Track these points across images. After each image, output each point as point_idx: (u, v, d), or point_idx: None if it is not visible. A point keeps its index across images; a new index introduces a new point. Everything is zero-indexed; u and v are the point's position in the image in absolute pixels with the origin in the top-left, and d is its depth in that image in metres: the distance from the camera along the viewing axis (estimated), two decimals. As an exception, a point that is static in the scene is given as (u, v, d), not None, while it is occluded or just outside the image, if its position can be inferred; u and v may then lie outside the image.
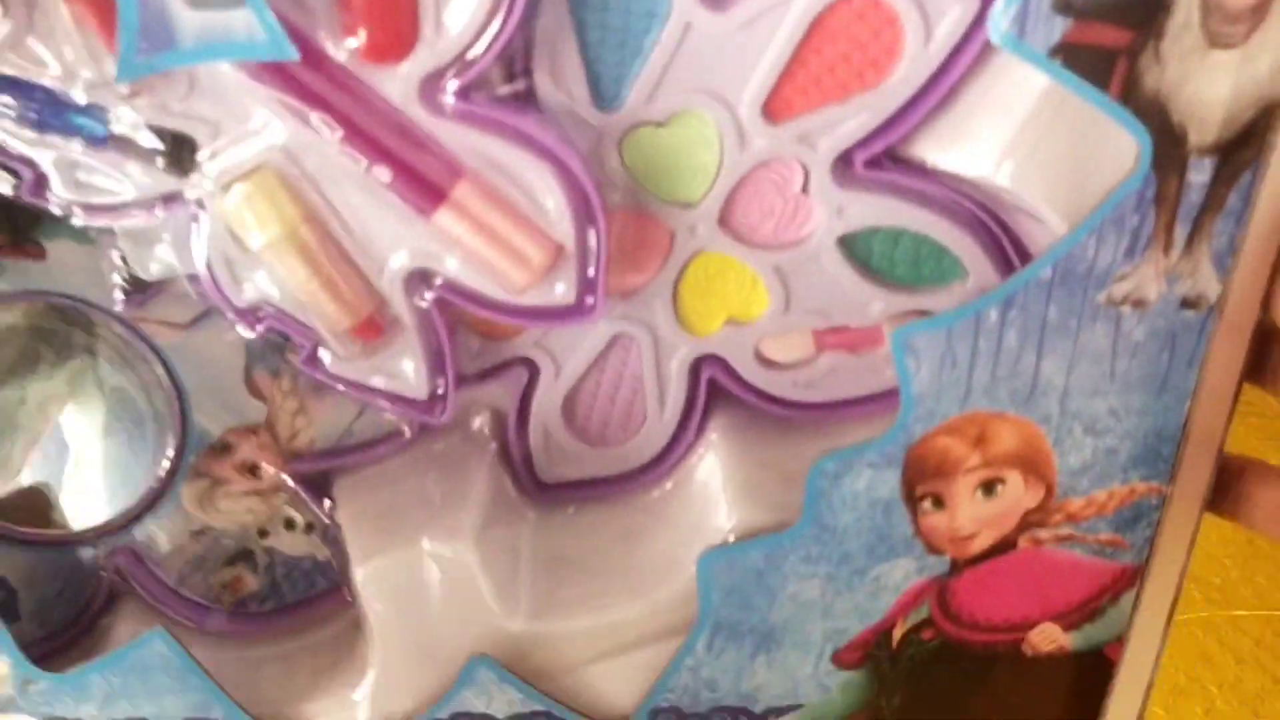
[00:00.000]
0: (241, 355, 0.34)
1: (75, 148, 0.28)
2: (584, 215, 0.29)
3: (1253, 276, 0.30)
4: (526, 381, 0.34)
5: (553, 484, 0.36)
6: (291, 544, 0.37)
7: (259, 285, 0.31)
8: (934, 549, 0.34)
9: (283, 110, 0.28)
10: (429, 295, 0.31)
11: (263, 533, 0.37)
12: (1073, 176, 0.29)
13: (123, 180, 0.29)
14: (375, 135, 0.28)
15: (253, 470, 0.36)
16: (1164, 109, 0.27)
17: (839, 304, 0.33)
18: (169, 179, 0.29)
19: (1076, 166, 0.29)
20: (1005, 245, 0.31)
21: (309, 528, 0.37)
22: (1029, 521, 0.33)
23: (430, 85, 0.28)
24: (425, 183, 0.29)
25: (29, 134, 0.28)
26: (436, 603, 0.34)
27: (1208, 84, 0.27)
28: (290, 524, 0.37)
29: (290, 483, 0.36)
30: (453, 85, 0.28)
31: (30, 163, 0.29)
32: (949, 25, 0.28)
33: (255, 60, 0.27)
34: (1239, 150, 0.28)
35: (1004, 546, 0.34)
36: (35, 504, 0.36)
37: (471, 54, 0.27)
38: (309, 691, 0.36)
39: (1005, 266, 0.31)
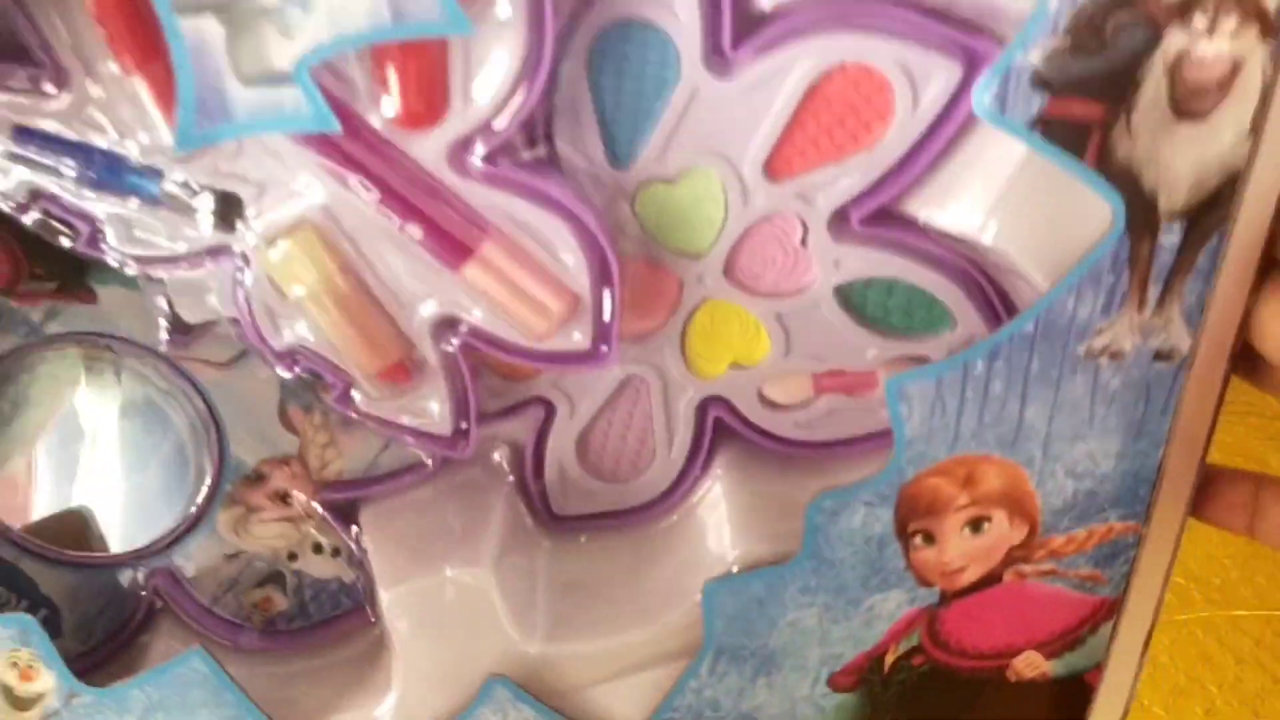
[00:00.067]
0: (276, 391, 0.37)
1: (130, 205, 0.31)
2: (600, 270, 0.32)
3: (1221, 331, 0.32)
4: (543, 419, 0.37)
5: (566, 515, 0.38)
6: (319, 567, 0.39)
7: (296, 331, 0.33)
8: (924, 581, 0.36)
9: (323, 173, 0.30)
10: (455, 340, 0.33)
11: (292, 556, 0.39)
12: (1053, 237, 0.31)
13: (173, 235, 0.31)
14: (408, 196, 0.30)
15: (284, 498, 0.38)
16: (1136, 177, 0.30)
17: (836, 349, 0.35)
18: (216, 234, 0.31)
19: (1056, 228, 0.31)
20: (992, 297, 0.33)
21: (335, 552, 0.39)
22: (1014, 557, 0.35)
23: (459, 150, 0.30)
24: (454, 240, 0.31)
25: (87, 192, 0.31)
26: (457, 625, 0.36)
27: (1176, 154, 0.29)
28: (318, 548, 0.39)
29: (319, 510, 0.38)
30: (480, 150, 0.30)
31: (88, 218, 0.31)
32: (935, 92, 0.30)
33: (298, 132, 0.29)
34: (1206, 215, 0.30)
35: (990, 580, 0.36)
36: (74, 526, 0.39)
37: (497, 124, 0.30)
38: (335, 704, 0.38)
39: (992, 316, 0.33)
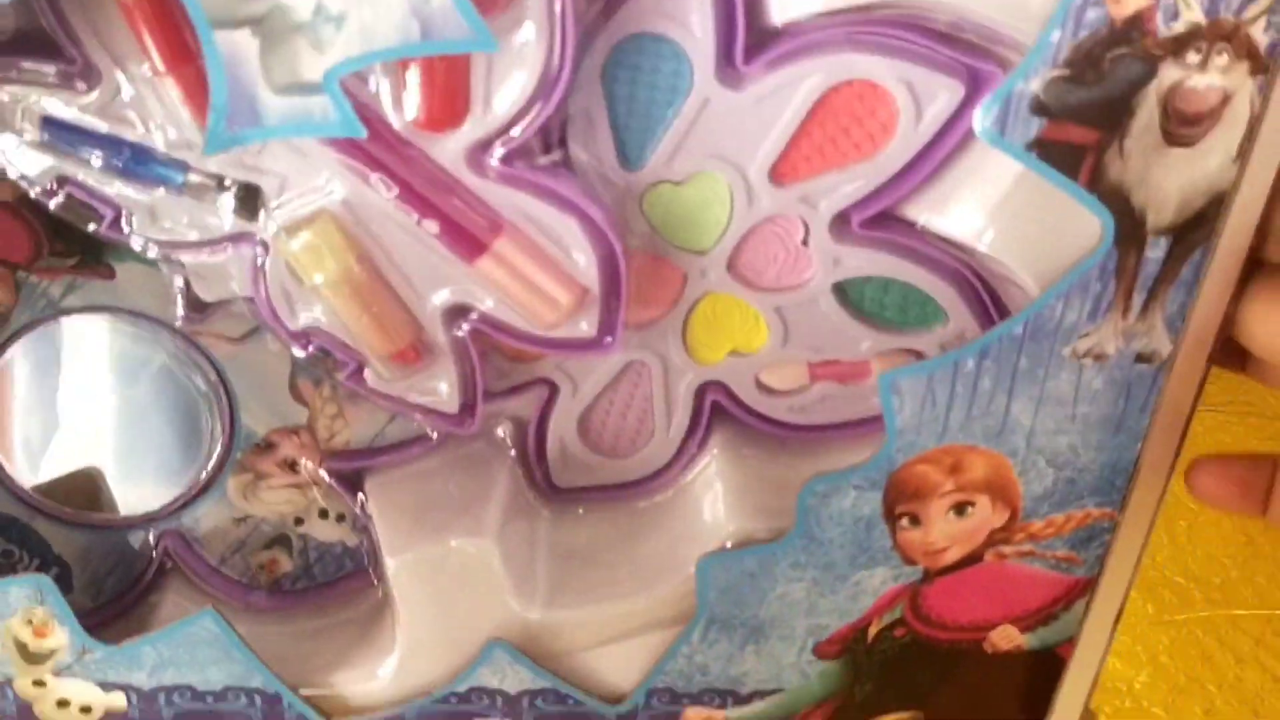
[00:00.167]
0: (287, 365, 0.39)
1: (155, 193, 0.33)
2: (608, 266, 0.34)
3: (1200, 336, 0.34)
4: (546, 398, 0.39)
5: (566, 488, 0.41)
6: (324, 532, 0.42)
7: (312, 314, 0.35)
8: (909, 560, 0.38)
9: (345, 170, 0.32)
10: (465, 326, 0.35)
11: (298, 521, 0.41)
12: (1045, 247, 0.34)
13: (196, 222, 0.33)
14: (426, 194, 0.33)
15: (292, 466, 0.40)
16: (1126, 196, 0.32)
17: (832, 341, 0.37)
18: (238, 223, 0.33)
19: (1048, 239, 0.33)
20: (984, 297, 0.36)
21: (341, 518, 0.41)
22: (995, 539, 0.38)
23: (477, 153, 0.32)
24: (469, 235, 0.33)
25: (113, 180, 0.33)
26: (460, 592, 0.39)
27: (1165, 176, 0.32)
28: (324, 514, 0.41)
29: (326, 478, 0.40)
30: (497, 153, 0.32)
31: (112, 203, 0.33)
32: (937, 109, 0.32)
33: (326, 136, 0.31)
34: (1191, 232, 0.33)
35: (971, 559, 0.39)
36: (86, 488, 0.41)
37: (515, 131, 0.32)
38: (340, 662, 0.41)
39: (983, 314, 0.36)
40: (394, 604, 0.39)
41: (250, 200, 0.33)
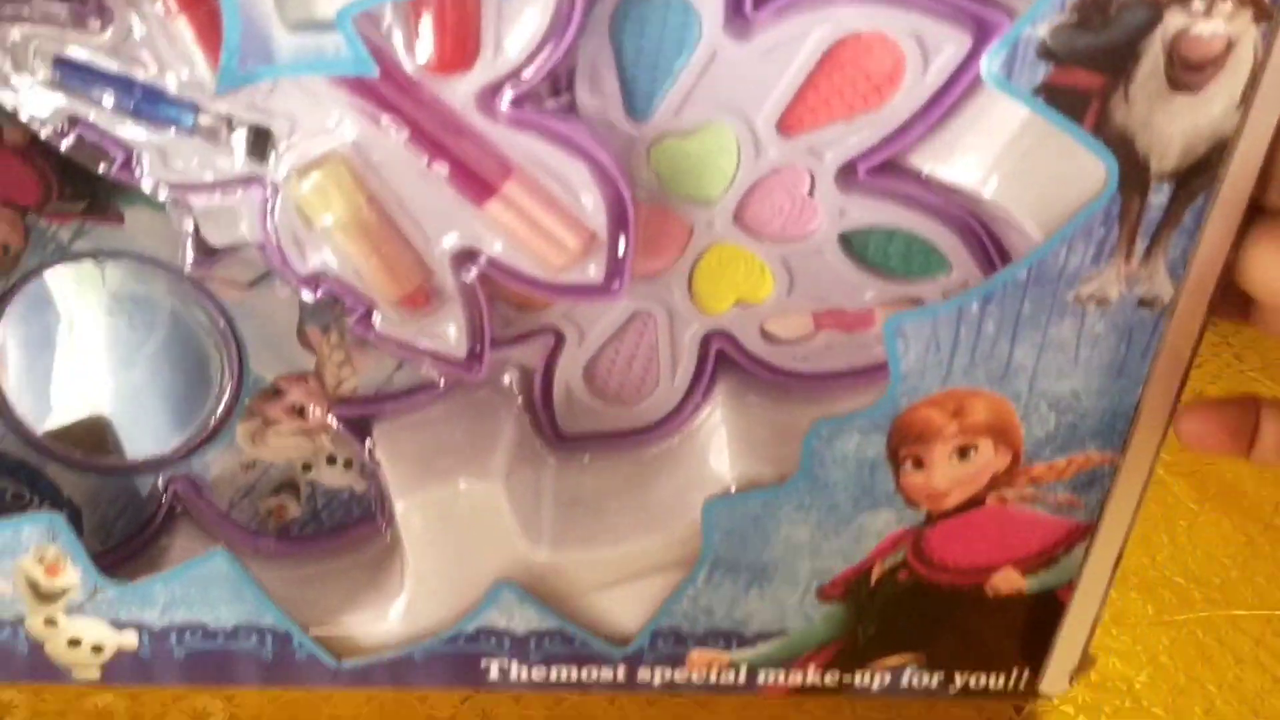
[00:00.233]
0: (295, 312, 0.40)
1: (166, 134, 0.33)
2: (616, 209, 0.35)
3: (1201, 282, 0.35)
4: (553, 346, 0.40)
5: (572, 435, 0.42)
6: (331, 478, 0.43)
7: (321, 257, 0.36)
8: (912, 503, 0.39)
9: (355, 112, 0.33)
10: (473, 271, 0.36)
11: (306, 467, 0.42)
12: (1049, 193, 0.34)
13: (206, 164, 0.34)
14: (437, 136, 0.33)
15: (300, 412, 0.41)
16: (1130, 141, 0.33)
17: (836, 290, 0.38)
18: (249, 165, 0.34)
19: (1053, 185, 0.34)
20: (988, 245, 0.36)
21: (348, 464, 0.42)
22: (997, 482, 0.39)
23: (487, 96, 0.33)
24: (478, 178, 0.34)
25: (125, 121, 0.33)
26: (468, 533, 0.40)
27: (1169, 122, 0.32)
28: (332, 460, 0.42)
29: (334, 424, 0.41)
30: (507, 96, 0.33)
31: (123, 145, 0.34)
32: (944, 60, 0.33)
33: (337, 75, 0.32)
34: (1194, 177, 0.33)
35: (974, 503, 0.40)
36: (95, 433, 0.42)
37: (525, 74, 0.32)
38: (349, 604, 0.42)
39: (986, 262, 0.37)
40: (402, 546, 0.40)
41: (261, 142, 0.34)
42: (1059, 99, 0.32)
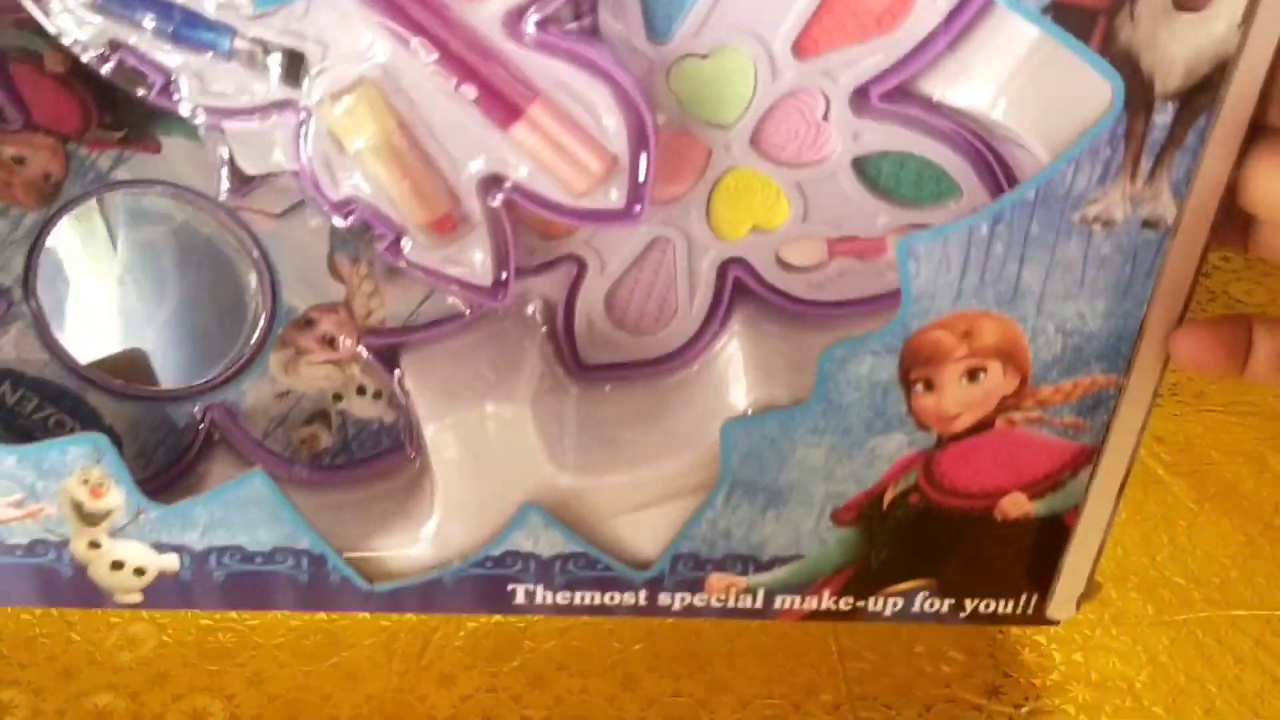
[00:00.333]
0: (326, 242, 0.40)
1: (203, 58, 0.33)
2: (637, 132, 0.34)
3: (1204, 203, 0.35)
4: (575, 275, 0.40)
5: (593, 365, 0.42)
6: (362, 408, 0.43)
7: (353, 182, 0.36)
8: (923, 426, 0.39)
9: (386, 34, 0.33)
10: (499, 196, 0.36)
11: (337, 397, 0.42)
12: (1056, 114, 0.34)
13: (242, 89, 0.34)
14: (465, 58, 0.33)
15: (331, 343, 0.41)
16: (1135, 60, 0.33)
17: (850, 217, 0.38)
18: (283, 89, 0.34)
19: (1060, 105, 0.34)
20: (996, 170, 0.36)
21: (378, 395, 0.42)
22: (1005, 405, 0.39)
23: (513, 18, 0.33)
24: (505, 100, 0.34)
25: (164, 44, 0.33)
26: (496, 456, 0.40)
27: (1173, 41, 0.32)
28: (362, 390, 0.42)
29: (364, 354, 0.41)
30: (533, 19, 0.33)
31: (162, 69, 0.34)
32: (956, -20, 0.33)
33: (371, -7, 0.32)
34: (1197, 96, 0.33)
35: (983, 425, 0.39)
36: (134, 365, 0.42)
37: (550, -7, 0.32)
38: (380, 530, 0.42)
39: (995, 188, 0.36)
40: (431, 470, 0.40)
41: (295, 66, 0.33)
42: (1067, 17, 0.32)
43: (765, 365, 0.40)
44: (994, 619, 0.45)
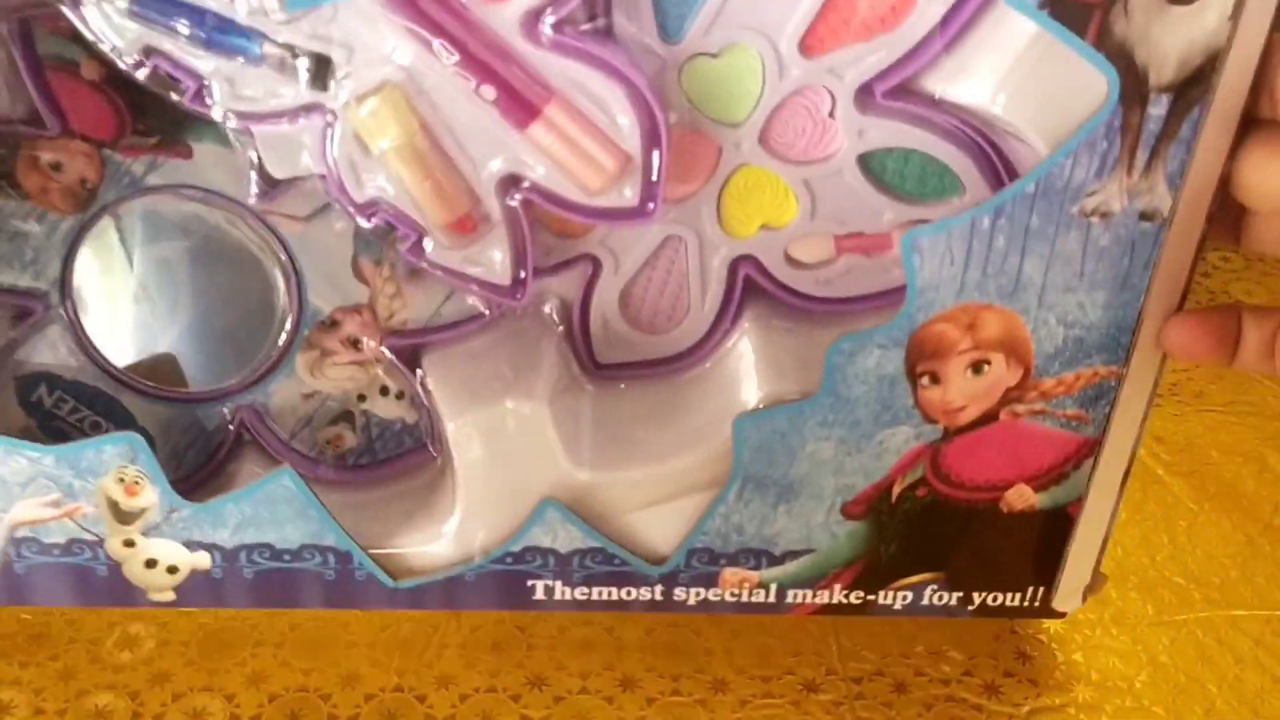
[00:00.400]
0: (350, 245, 0.40)
1: (234, 63, 0.34)
2: (650, 132, 0.35)
3: (1198, 194, 0.35)
4: (590, 274, 0.40)
5: (608, 364, 0.42)
6: (385, 408, 0.43)
7: (377, 183, 0.36)
8: (929, 418, 0.39)
9: (409, 37, 0.33)
10: (517, 196, 0.36)
11: (361, 397, 0.43)
12: (1054, 107, 0.34)
13: (271, 92, 0.34)
14: (484, 60, 0.34)
15: (355, 344, 0.42)
16: (1130, 54, 0.33)
17: (856, 213, 0.38)
18: (310, 93, 0.34)
19: (1057, 99, 0.34)
20: (997, 165, 0.36)
21: (400, 395, 0.43)
22: (1009, 397, 0.39)
23: (531, 20, 0.33)
24: (523, 101, 0.34)
25: (197, 50, 0.34)
26: (515, 452, 0.40)
27: (1166, 34, 0.33)
28: (385, 391, 0.43)
29: (387, 355, 0.41)
30: (549, 20, 0.33)
31: (195, 75, 0.34)
32: (957, -23, 0.34)
33: (395, -4, 0.32)
34: (1190, 89, 0.33)
35: (987, 418, 0.40)
36: (166, 369, 0.42)
37: (565, -5, 0.33)
38: (403, 527, 0.42)
39: (997, 183, 0.37)
40: (453, 467, 0.41)
41: (322, 70, 0.34)
42: (1063, 12, 0.32)
43: (775, 361, 0.40)
44: (1002, 612, 0.44)
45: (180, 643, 0.45)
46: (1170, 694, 0.44)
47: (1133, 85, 0.33)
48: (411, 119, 0.35)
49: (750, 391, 0.40)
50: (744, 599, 0.43)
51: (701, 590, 0.43)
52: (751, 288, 0.40)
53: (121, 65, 0.34)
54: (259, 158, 0.36)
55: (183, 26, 0.33)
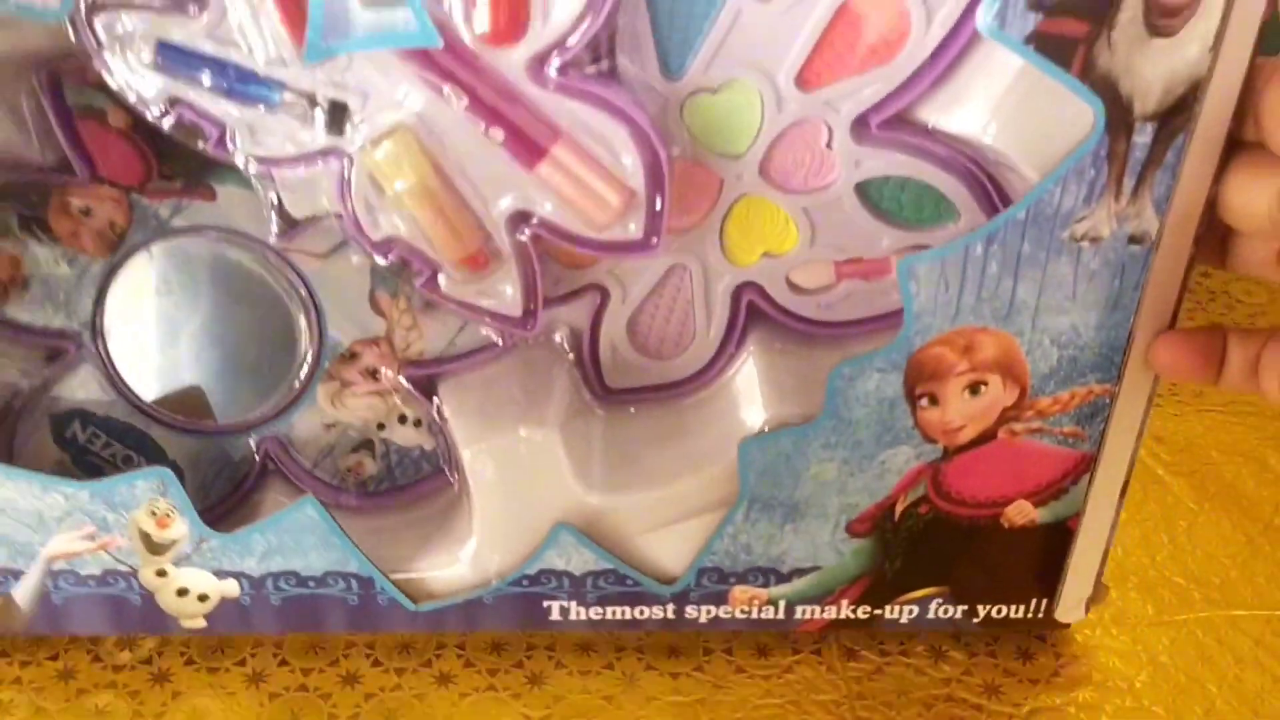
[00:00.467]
0: (367, 280, 0.41)
1: (255, 111, 0.35)
2: (653, 169, 0.36)
3: (1185, 217, 0.36)
4: (599, 304, 0.41)
5: (617, 389, 0.42)
6: (403, 436, 0.44)
7: (392, 223, 0.37)
8: (929, 438, 0.40)
9: (420, 83, 0.34)
10: (526, 231, 0.37)
11: (381, 426, 0.43)
12: (1044, 137, 0.35)
13: (290, 138, 0.35)
14: (493, 103, 0.34)
15: (374, 374, 0.42)
16: (1114, 85, 0.33)
17: (855, 240, 0.39)
18: (327, 137, 0.35)
19: (1046, 129, 0.35)
20: (990, 192, 0.37)
21: (418, 423, 0.43)
22: (1006, 416, 0.40)
23: (537, 64, 0.34)
24: (530, 142, 0.35)
25: (219, 99, 0.35)
26: (529, 478, 0.41)
27: (1149, 65, 0.33)
28: (403, 419, 0.43)
29: (404, 384, 0.42)
30: (554, 64, 0.34)
31: (218, 122, 0.35)
32: (945, 14, 0.34)
33: (407, 46, 0.33)
34: (1174, 117, 0.34)
35: (986, 437, 0.40)
36: (193, 401, 0.43)
37: (570, 41, 0.33)
38: (422, 551, 0.43)
39: (990, 209, 0.37)
40: (469, 494, 0.41)
41: (338, 116, 0.35)
42: (1048, 47, 0.33)
43: (778, 385, 0.41)
44: (1006, 623, 0.45)
45: (180, 642, 0.45)
46: (1170, 694, 0.44)
47: (1118, 115, 0.34)
48: (424, 161, 0.35)
49: (755, 413, 0.41)
50: (754, 615, 0.44)
51: (712, 608, 0.44)
52: (755, 313, 0.41)
53: (148, 115, 0.35)
54: (279, 199, 0.37)
55: (206, 78, 0.34)
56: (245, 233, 0.39)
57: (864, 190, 0.38)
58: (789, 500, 0.41)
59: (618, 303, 0.41)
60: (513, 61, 0.34)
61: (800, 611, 0.44)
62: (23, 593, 0.42)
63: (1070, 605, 0.44)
